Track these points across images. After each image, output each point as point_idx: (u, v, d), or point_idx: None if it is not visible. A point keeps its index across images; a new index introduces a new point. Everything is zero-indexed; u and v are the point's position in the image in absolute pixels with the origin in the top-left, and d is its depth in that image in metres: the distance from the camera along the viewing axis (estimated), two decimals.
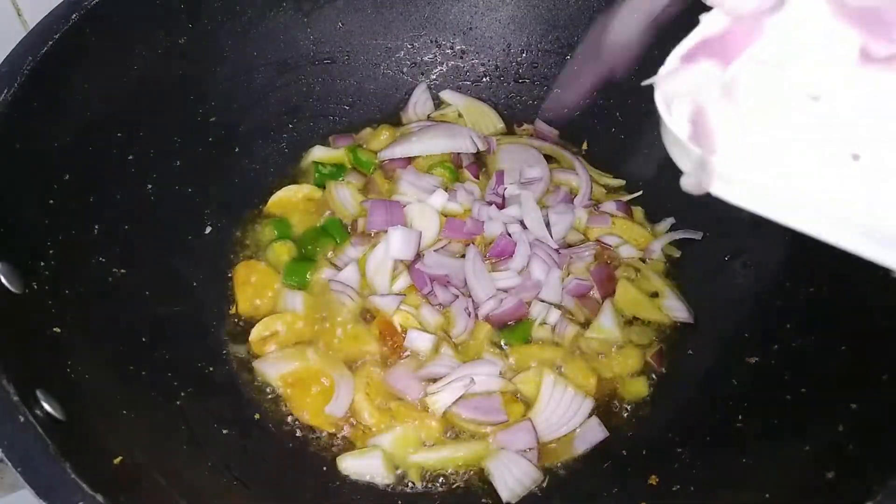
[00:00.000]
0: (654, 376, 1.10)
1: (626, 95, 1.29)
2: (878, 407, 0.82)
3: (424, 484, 1.00)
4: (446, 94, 1.39)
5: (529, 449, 1.00)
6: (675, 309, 1.14)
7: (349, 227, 1.21)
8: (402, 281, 1.12)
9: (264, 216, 1.23)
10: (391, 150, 1.26)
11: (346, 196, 1.23)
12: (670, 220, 1.25)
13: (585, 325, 1.12)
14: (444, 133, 1.28)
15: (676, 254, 1.22)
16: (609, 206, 1.23)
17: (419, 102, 1.38)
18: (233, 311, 1.13)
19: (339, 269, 1.15)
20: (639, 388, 1.08)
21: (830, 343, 0.93)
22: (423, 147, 1.27)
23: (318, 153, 1.30)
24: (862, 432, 0.80)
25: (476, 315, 1.09)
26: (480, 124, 1.36)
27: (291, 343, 1.08)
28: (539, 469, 1.00)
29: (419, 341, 1.06)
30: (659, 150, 1.34)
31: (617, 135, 1.32)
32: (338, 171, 1.28)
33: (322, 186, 1.26)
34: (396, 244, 1.12)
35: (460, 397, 1.02)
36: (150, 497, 0.77)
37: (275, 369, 1.05)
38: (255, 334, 1.09)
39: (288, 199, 1.24)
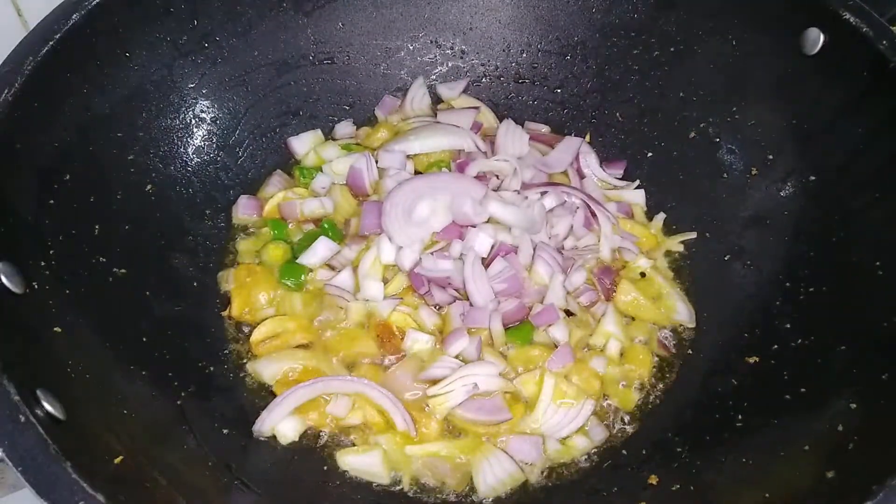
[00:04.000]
0: (652, 381, 1.10)
1: (625, 95, 1.30)
2: (878, 407, 0.82)
3: (419, 486, 1.00)
4: (443, 90, 1.39)
5: (531, 463, 1.00)
6: (678, 312, 1.13)
7: (343, 228, 1.20)
8: (399, 282, 1.12)
9: (262, 218, 1.23)
10: (390, 148, 1.26)
11: (338, 196, 1.22)
12: (662, 216, 1.25)
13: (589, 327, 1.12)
14: (443, 131, 1.28)
15: (680, 248, 1.21)
16: (611, 207, 1.23)
17: (416, 98, 1.37)
18: (226, 313, 1.13)
19: (335, 269, 1.15)
20: (628, 399, 1.07)
21: (830, 343, 0.93)
22: (422, 145, 1.27)
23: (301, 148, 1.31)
24: (862, 432, 0.80)
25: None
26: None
27: (291, 345, 1.08)
28: (523, 471, 1.00)
29: (418, 342, 1.06)
30: (657, 147, 1.36)
31: (617, 134, 1.32)
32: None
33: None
34: (388, 249, 1.12)
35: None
36: (151, 497, 0.77)
37: (269, 370, 1.05)
38: (255, 336, 1.09)
39: (286, 200, 1.23)
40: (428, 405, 1.03)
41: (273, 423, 1.00)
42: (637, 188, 1.28)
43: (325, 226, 1.19)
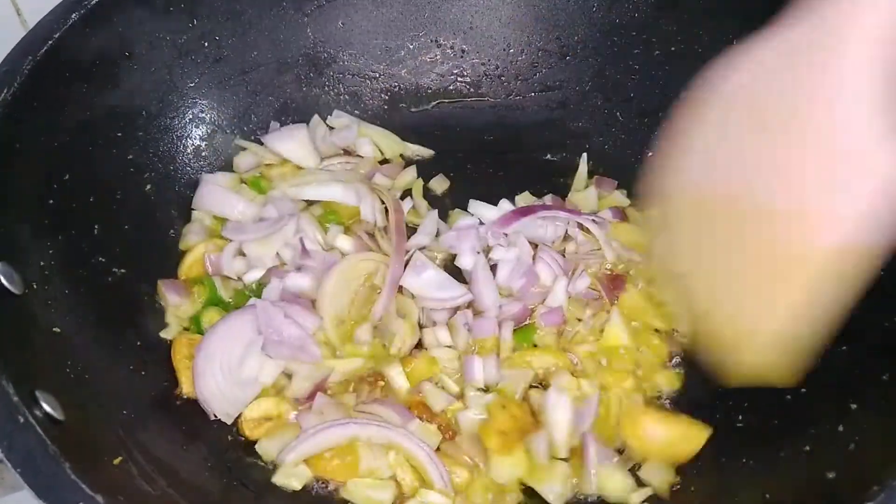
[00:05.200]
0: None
1: (625, 95, 1.30)
2: (878, 407, 0.82)
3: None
4: (335, 120, 1.31)
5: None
6: (678, 319, 1.12)
7: None
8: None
9: (187, 278, 1.08)
10: (282, 190, 1.16)
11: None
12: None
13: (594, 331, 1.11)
14: (344, 183, 1.18)
15: None
16: (605, 213, 1.21)
17: (318, 138, 1.27)
18: (178, 391, 0.97)
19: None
20: (671, 378, 1.05)
21: (830, 343, 0.93)
22: (316, 192, 1.17)
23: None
24: (862, 432, 0.80)
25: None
26: (383, 146, 1.29)
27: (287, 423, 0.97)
28: None
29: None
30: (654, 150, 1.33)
31: (617, 134, 1.32)
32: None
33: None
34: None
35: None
36: (150, 497, 0.77)
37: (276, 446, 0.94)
38: (247, 422, 0.97)
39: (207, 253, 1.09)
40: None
41: (299, 455, 0.92)
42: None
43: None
